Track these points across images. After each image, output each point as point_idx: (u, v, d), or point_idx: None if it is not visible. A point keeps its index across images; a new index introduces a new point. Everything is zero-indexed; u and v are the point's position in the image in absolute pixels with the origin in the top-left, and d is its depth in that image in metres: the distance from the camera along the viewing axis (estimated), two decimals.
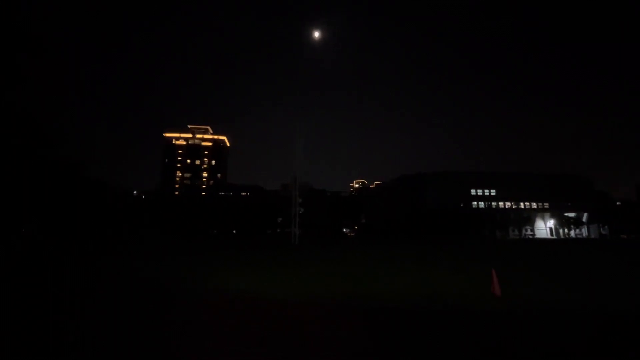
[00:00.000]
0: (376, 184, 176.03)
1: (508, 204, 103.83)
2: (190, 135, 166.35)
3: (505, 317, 6.87)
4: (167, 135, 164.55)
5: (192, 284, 10.85)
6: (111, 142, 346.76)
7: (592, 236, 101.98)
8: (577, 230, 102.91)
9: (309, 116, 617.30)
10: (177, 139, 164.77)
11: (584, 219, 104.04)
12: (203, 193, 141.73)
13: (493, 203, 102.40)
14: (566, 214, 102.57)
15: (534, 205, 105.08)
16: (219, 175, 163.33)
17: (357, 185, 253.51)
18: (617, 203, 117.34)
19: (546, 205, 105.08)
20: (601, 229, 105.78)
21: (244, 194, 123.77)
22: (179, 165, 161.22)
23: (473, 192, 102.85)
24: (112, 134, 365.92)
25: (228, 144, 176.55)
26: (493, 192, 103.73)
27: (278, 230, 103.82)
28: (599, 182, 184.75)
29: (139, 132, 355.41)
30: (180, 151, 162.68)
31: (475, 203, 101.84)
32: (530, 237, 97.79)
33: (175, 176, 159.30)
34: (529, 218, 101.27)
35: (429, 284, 11.13)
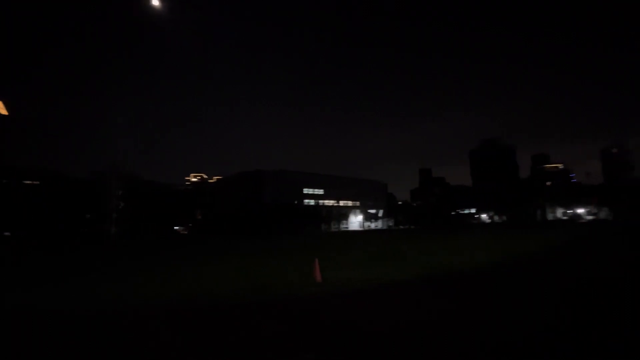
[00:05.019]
0: (216, 179, 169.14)
1: (332, 202, 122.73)
2: None
3: (318, 298, 7.93)
4: None
5: None
6: None
7: (384, 227, 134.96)
8: (375, 223, 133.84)
9: (141, 101, 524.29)
10: None
11: (380, 214, 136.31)
12: None
13: (320, 201, 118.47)
14: (369, 211, 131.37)
15: (349, 203, 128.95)
16: None
17: (194, 179, 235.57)
18: (399, 203, 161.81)
19: (357, 203, 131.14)
20: (389, 222, 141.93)
21: (29, 182, 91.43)
22: None
23: (305, 190, 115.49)
24: None
25: (6, 113, 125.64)
26: (321, 192, 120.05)
27: (85, 230, 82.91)
28: (389, 187, 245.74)
29: None
30: None
31: (306, 200, 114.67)
32: (345, 229, 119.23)
33: None
34: (345, 214, 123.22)
35: (261, 277, 11.49)
